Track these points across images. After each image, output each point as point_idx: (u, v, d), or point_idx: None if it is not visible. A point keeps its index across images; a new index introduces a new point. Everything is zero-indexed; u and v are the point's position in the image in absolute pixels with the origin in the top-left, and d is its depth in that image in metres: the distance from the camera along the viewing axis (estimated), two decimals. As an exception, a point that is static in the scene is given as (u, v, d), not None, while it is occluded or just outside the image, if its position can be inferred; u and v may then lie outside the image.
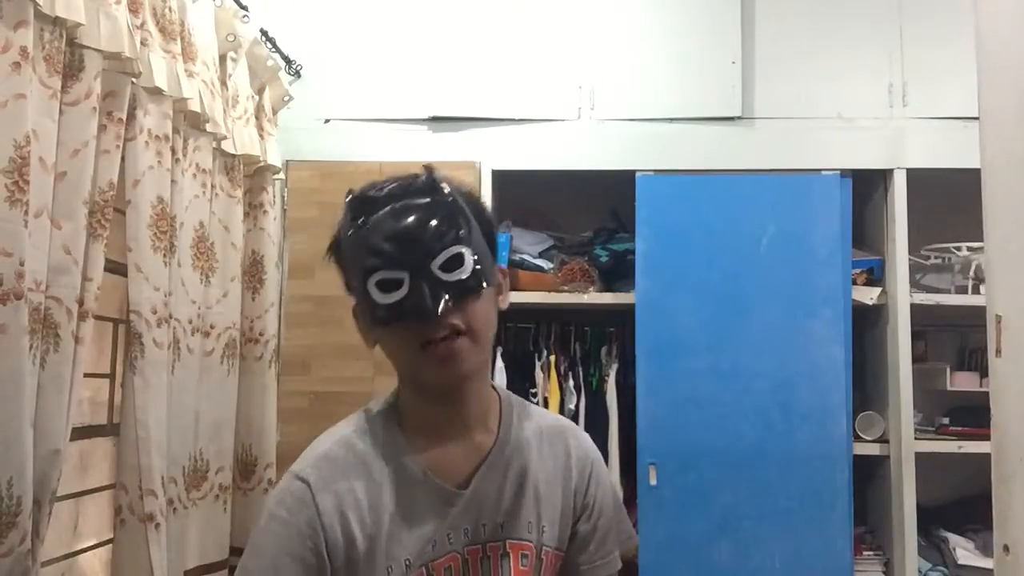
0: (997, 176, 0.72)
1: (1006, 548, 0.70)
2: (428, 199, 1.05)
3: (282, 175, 2.65)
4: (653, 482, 2.52)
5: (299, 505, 1.05)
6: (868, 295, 2.62)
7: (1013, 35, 0.71)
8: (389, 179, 1.09)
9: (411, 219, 1.03)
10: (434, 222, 1.03)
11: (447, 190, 1.07)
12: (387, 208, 1.05)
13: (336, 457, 1.09)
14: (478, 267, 1.04)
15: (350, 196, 1.09)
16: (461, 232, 1.04)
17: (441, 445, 1.10)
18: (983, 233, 0.75)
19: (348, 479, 1.07)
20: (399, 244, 1.03)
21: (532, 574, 1.13)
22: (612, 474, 2.65)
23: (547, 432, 1.18)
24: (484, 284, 1.05)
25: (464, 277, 1.03)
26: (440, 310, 1.01)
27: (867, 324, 2.75)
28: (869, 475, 2.73)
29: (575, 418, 2.70)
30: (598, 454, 1.23)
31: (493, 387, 1.18)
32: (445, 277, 1.02)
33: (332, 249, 1.14)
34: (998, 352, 0.71)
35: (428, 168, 1.10)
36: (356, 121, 2.76)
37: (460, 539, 1.09)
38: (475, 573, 1.10)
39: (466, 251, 1.03)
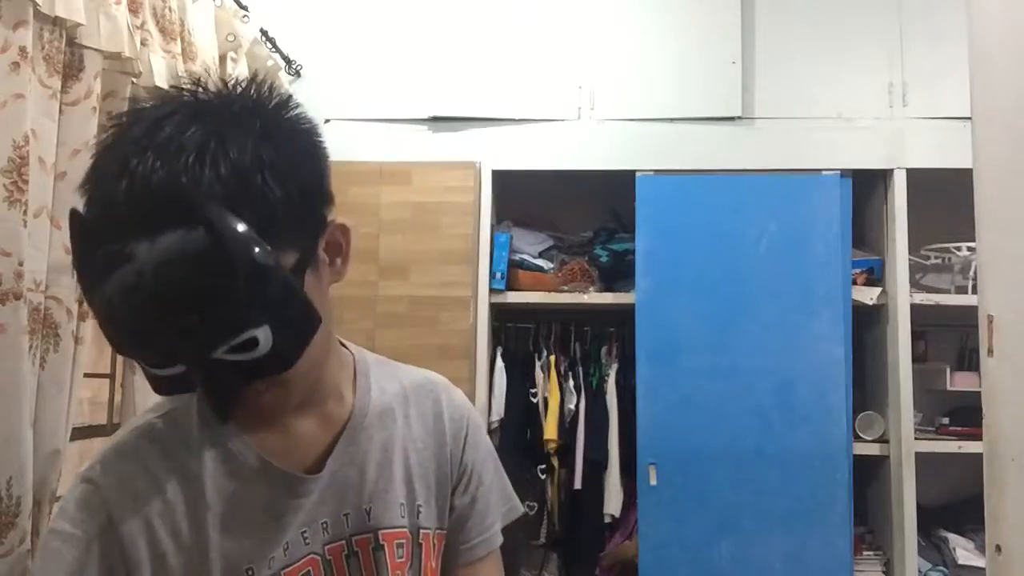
0: (989, 177, 0.72)
1: (998, 548, 0.70)
2: (204, 245, 0.69)
3: (282, 175, 2.65)
4: (653, 482, 2.52)
5: (86, 513, 0.81)
6: (868, 295, 2.62)
7: (1005, 37, 0.71)
8: (113, 199, 0.72)
9: (172, 293, 0.70)
10: (206, 307, 0.71)
11: (232, 195, 0.72)
12: (133, 265, 0.70)
13: (133, 450, 0.84)
14: (283, 335, 0.76)
15: (72, 215, 0.75)
16: (249, 308, 0.73)
17: (279, 424, 0.87)
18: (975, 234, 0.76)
19: (152, 476, 0.83)
20: (156, 344, 0.73)
21: (412, 563, 0.92)
22: (612, 474, 2.66)
23: (412, 393, 0.98)
24: (300, 345, 0.78)
25: (260, 356, 0.75)
26: (232, 405, 0.77)
27: (867, 324, 2.75)
28: (869, 475, 2.73)
29: (575, 418, 2.70)
30: (474, 412, 1.03)
31: (345, 346, 0.96)
32: (235, 358, 0.74)
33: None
34: (990, 352, 0.71)
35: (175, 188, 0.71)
36: (356, 121, 2.77)
37: (319, 536, 0.87)
38: (340, 570, 0.88)
39: (259, 332, 0.74)
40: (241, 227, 0.71)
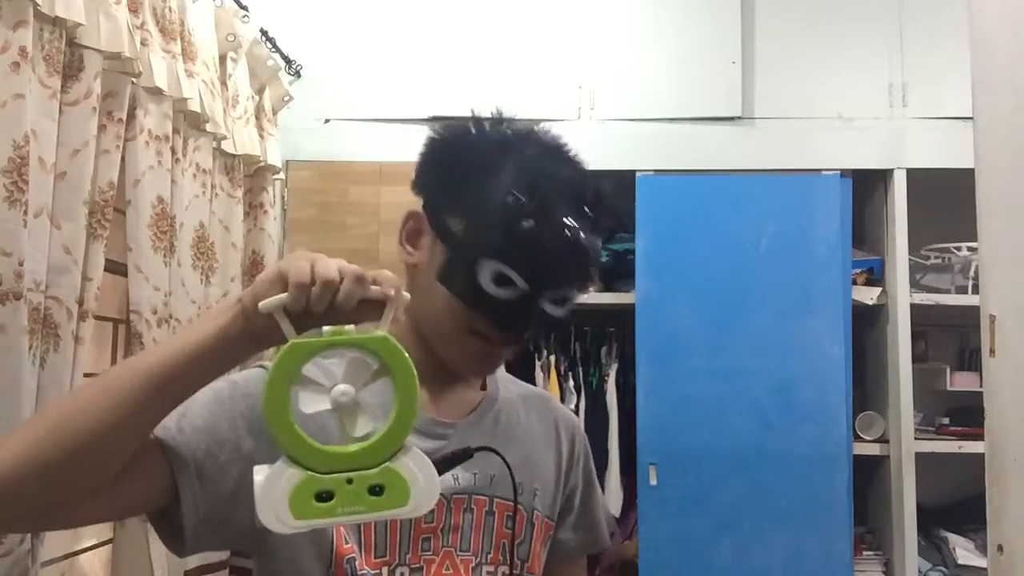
0: (990, 175, 0.72)
1: (1000, 548, 0.70)
2: (593, 234, 0.98)
3: (282, 175, 2.65)
4: (653, 482, 2.52)
5: (254, 383, 0.94)
6: (868, 295, 2.62)
7: (1006, 35, 0.71)
8: (580, 173, 1.03)
9: (571, 248, 0.96)
10: (584, 262, 0.98)
11: (609, 224, 1.02)
12: (556, 221, 0.95)
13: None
14: (572, 308, 1.00)
15: (530, 170, 0.99)
16: (592, 280, 1.01)
17: (427, 388, 1.00)
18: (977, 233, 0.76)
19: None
20: (547, 265, 0.95)
21: (523, 538, 1.04)
22: (612, 474, 2.66)
23: (531, 398, 1.14)
24: (569, 320, 1.02)
25: (561, 315, 0.98)
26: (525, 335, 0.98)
27: (867, 324, 2.75)
28: (869, 475, 2.73)
29: (575, 418, 2.70)
30: (582, 427, 1.20)
31: None
32: (549, 310, 0.96)
33: (454, 178, 1.00)
34: (992, 352, 0.71)
35: (599, 190, 1.03)
36: (356, 121, 2.77)
37: (446, 482, 0.96)
38: (456, 523, 0.99)
39: (577, 294, 1.00)
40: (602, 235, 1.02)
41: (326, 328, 0.76)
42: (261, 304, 0.75)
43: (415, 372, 0.76)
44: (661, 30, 2.76)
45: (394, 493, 0.75)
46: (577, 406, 2.71)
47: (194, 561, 2.16)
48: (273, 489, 0.73)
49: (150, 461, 0.86)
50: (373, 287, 0.78)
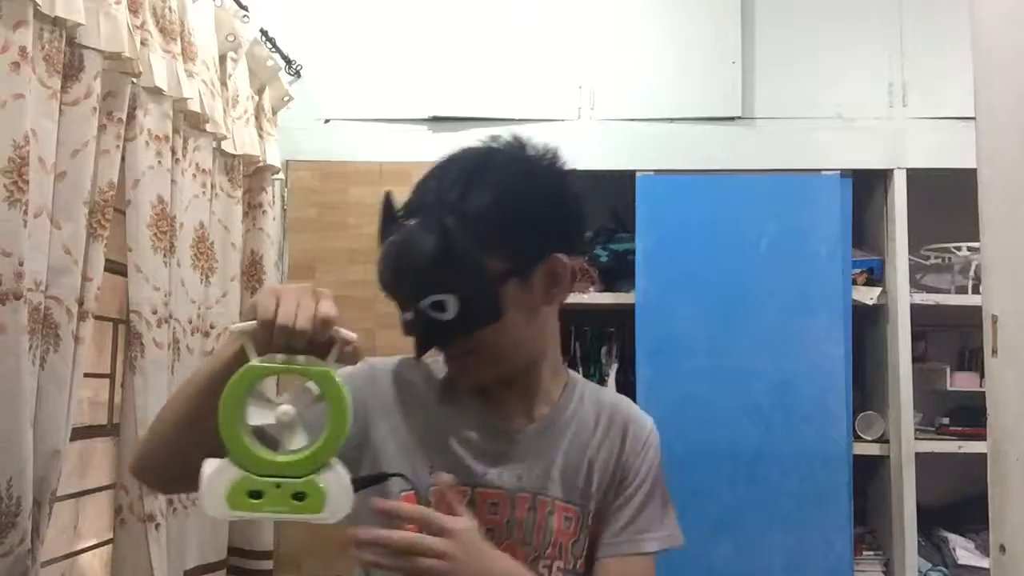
0: (993, 176, 0.72)
1: (1002, 548, 0.70)
2: (432, 233, 1.03)
3: (282, 175, 2.65)
4: (653, 482, 2.52)
5: (357, 371, 1.13)
6: (868, 295, 2.62)
7: (1008, 35, 0.71)
8: (428, 176, 1.10)
9: (402, 258, 1.05)
10: (422, 265, 1.03)
11: (465, 210, 1.04)
12: (393, 236, 1.06)
13: (394, 367, 1.19)
14: (468, 312, 1.04)
15: (385, 196, 1.10)
16: (447, 278, 1.03)
17: (494, 395, 1.15)
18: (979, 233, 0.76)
19: (412, 378, 1.17)
20: (394, 279, 1.07)
21: (578, 537, 1.13)
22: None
23: (607, 409, 1.19)
24: (474, 327, 1.05)
25: (448, 319, 1.04)
26: (425, 345, 1.08)
27: (867, 324, 2.75)
28: (869, 475, 2.73)
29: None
30: (655, 436, 1.21)
31: (566, 370, 1.22)
32: (434, 315, 1.04)
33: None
34: (994, 352, 0.71)
35: (470, 170, 1.09)
36: (356, 121, 2.76)
37: (512, 480, 1.11)
38: (520, 516, 1.10)
39: (449, 299, 1.03)
40: (451, 225, 1.02)
41: (279, 356, 0.90)
42: (231, 328, 0.91)
43: (348, 403, 0.90)
44: (661, 30, 2.76)
45: (313, 501, 0.88)
46: (577, 406, 2.70)
47: (194, 561, 2.16)
48: (216, 482, 0.88)
49: None
50: (322, 328, 0.90)
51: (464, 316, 1.04)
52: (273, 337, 0.89)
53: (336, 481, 0.88)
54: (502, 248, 1.05)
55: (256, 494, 0.87)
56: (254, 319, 0.91)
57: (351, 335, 0.93)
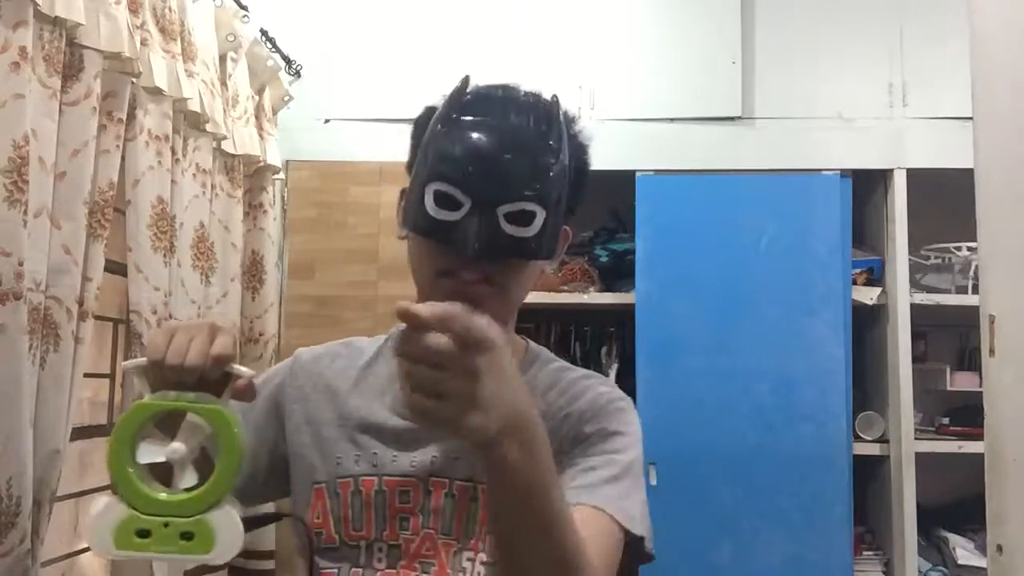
0: (990, 176, 0.72)
1: (1000, 548, 0.70)
2: (533, 130, 0.95)
3: (282, 175, 2.65)
4: (653, 482, 2.52)
5: (281, 364, 1.13)
6: (868, 295, 2.62)
7: (1007, 35, 0.71)
8: (514, 87, 1.03)
9: (502, 145, 0.94)
10: (524, 162, 0.93)
11: (561, 132, 0.97)
12: (487, 117, 0.96)
13: (330, 350, 1.14)
14: (542, 235, 0.94)
15: (464, 80, 1.02)
16: (546, 189, 0.93)
17: None
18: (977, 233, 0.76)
19: (334, 364, 1.11)
20: (477, 166, 0.93)
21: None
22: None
23: (569, 377, 1.08)
24: (539, 255, 0.96)
25: (526, 236, 0.93)
26: (480, 255, 0.92)
27: (867, 324, 2.75)
28: (869, 475, 2.73)
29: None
30: (619, 400, 1.11)
31: (522, 337, 1.13)
32: (506, 228, 0.92)
33: (418, 121, 1.04)
34: (992, 352, 0.71)
35: (556, 99, 1.01)
36: (356, 121, 2.76)
37: (423, 464, 1.00)
38: (436, 505, 0.99)
39: (539, 213, 0.93)
40: (565, 139, 0.98)
41: (172, 393, 0.87)
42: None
43: (240, 442, 0.86)
44: (661, 30, 2.76)
45: (201, 541, 0.85)
46: (577, 406, 2.70)
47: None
48: (103, 520, 0.85)
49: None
50: (215, 365, 0.86)
51: (536, 238, 0.93)
52: (164, 374, 0.86)
53: (226, 520, 0.86)
54: (574, 188, 1.00)
55: (144, 533, 0.84)
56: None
57: (247, 371, 0.89)
